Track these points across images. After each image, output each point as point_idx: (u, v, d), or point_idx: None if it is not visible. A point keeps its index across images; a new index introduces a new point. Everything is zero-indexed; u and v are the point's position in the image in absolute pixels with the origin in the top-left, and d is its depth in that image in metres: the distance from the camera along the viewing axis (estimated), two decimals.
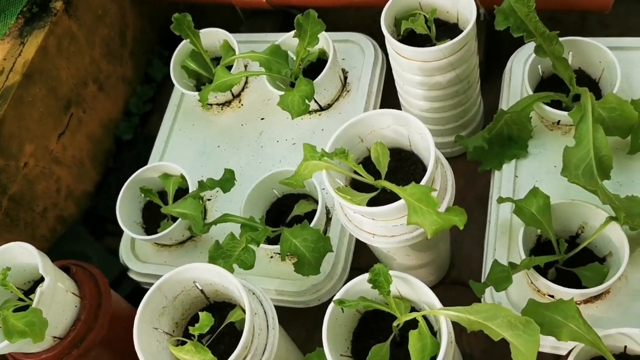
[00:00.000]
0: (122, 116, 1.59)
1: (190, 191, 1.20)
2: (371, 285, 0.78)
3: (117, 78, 1.56)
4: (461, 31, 1.13)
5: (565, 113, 1.07)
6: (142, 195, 1.21)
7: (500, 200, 1.02)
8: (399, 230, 0.88)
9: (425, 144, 0.86)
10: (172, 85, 1.38)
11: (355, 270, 1.24)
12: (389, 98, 1.34)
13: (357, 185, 0.93)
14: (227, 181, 1.11)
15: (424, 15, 1.08)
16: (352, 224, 0.92)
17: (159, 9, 1.70)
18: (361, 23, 1.59)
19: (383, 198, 0.90)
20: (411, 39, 1.13)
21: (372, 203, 0.88)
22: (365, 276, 0.80)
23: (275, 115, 1.33)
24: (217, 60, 1.42)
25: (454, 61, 1.05)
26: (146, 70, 1.66)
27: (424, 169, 0.92)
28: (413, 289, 0.82)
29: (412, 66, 1.07)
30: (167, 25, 1.54)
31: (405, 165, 0.93)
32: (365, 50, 1.34)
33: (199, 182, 1.13)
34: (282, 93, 1.21)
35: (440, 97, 1.13)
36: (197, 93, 1.31)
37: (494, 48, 1.42)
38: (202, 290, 0.92)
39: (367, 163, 0.95)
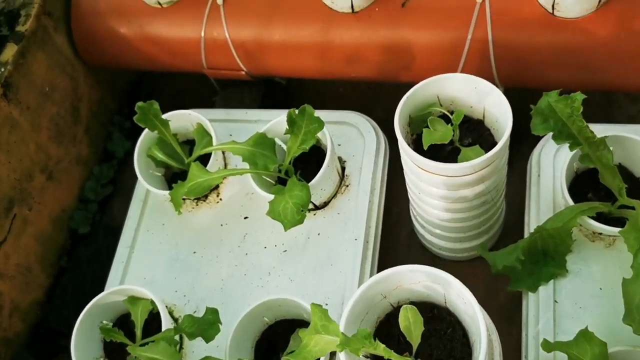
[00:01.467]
0: (77, 204, 1.35)
1: (162, 316, 0.99)
2: None
3: (69, 161, 1.32)
4: (487, 130, 0.96)
5: (615, 230, 0.90)
6: (103, 334, 0.99)
7: (547, 347, 0.83)
8: None
9: (471, 312, 0.67)
10: None
11: None
12: (393, 190, 1.15)
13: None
14: (210, 325, 0.89)
15: (449, 116, 0.90)
16: None
17: (117, 74, 1.46)
18: (352, 93, 1.39)
19: None
20: None
21: None
22: None
23: (261, 213, 1.11)
24: (188, 143, 1.20)
25: (485, 174, 0.87)
26: (105, 145, 1.43)
27: (464, 334, 0.73)
28: None
29: (434, 180, 0.88)
30: (128, 91, 1.30)
31: (440, 328, 0.74)
32: (365, 136, 1.15)
33: (174, 328, 0.91)
34: (270, 197, 1.00)
35: (464, 209, 0.95)
36: (167, 193, 1.09)
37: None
38: None
39: (389, 323, 0.76)
